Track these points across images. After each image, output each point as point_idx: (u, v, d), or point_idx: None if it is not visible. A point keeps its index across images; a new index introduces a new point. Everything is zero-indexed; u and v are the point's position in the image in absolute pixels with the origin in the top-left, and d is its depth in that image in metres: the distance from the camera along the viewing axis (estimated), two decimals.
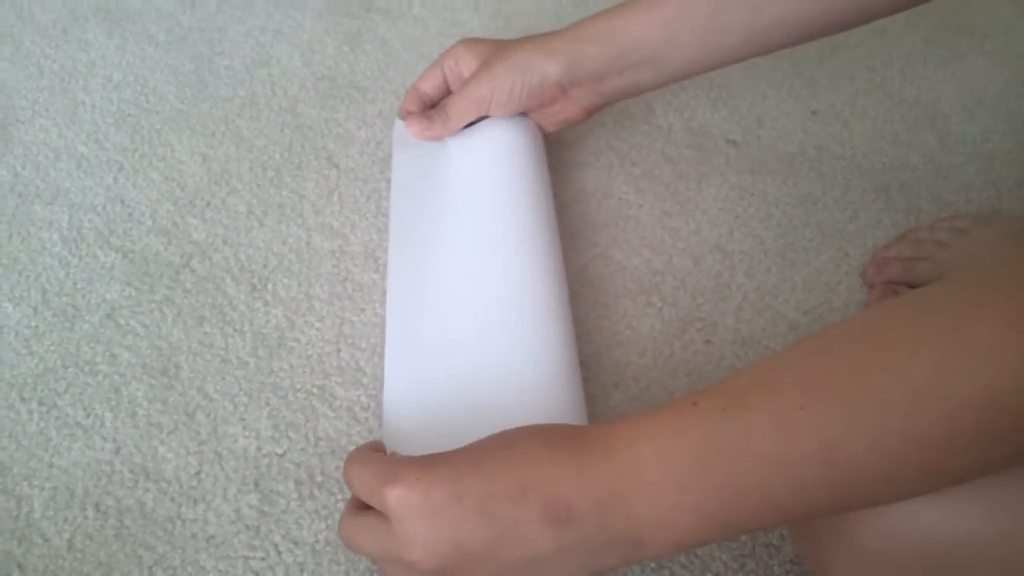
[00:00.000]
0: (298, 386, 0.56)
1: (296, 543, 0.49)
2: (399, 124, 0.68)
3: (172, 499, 0.51)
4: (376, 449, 0.48)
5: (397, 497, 0.41)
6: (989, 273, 0.35)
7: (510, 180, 0.63)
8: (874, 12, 0.57)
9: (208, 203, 0.66)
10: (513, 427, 0.43)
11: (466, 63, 0.64)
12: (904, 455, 0.33)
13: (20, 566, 0.48)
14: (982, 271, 0.36)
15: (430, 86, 0.67)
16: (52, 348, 0.57)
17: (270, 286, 0.61)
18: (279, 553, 0.49)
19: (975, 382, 0.32)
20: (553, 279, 0.57)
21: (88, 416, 0.54)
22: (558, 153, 0.72)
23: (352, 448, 0.53)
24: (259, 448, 0.53)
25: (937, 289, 0.36)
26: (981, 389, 0.32)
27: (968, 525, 0.35)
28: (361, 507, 0.45)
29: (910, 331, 0.34)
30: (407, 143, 0.67)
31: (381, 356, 0.58)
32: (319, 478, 0.52)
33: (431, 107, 0.68)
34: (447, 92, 0.68)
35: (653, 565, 0.49)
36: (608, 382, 0.58)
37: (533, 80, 0.62)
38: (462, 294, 0.57)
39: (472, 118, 0.65)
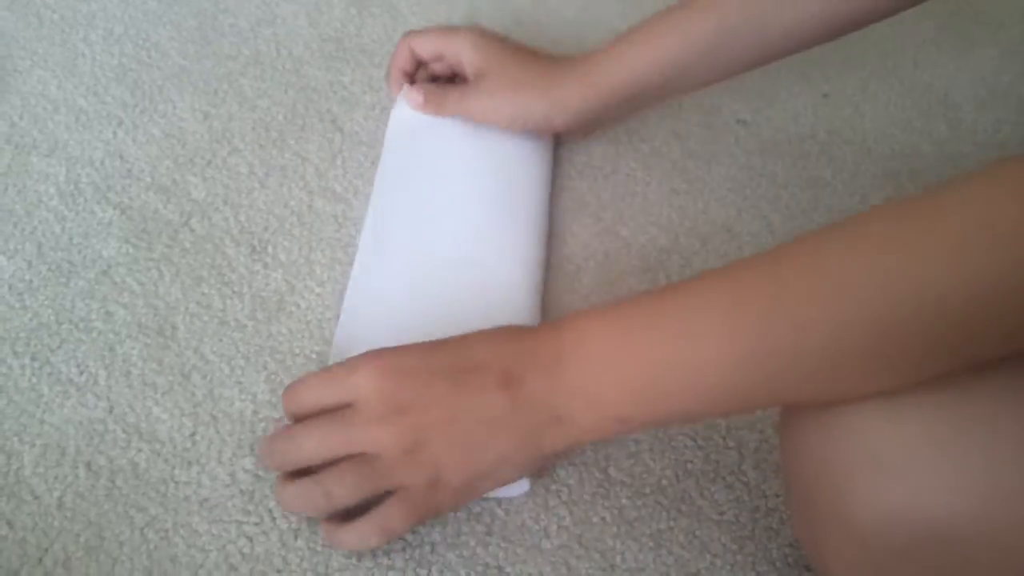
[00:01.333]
0: (296, 351, 0.55)
1: None
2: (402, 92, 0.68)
3: (166, 460, 0.50)
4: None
5: (371, 367, 0.45)
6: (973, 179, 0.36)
7: (506, 153, 0.65)
8: (873, 14, 0.59)
9: (209, 162, 0.65)
10: None
11: (469, 61, 0.64)
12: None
13: (9, 523, 0.47)
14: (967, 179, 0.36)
15: (428, 54, 0.66)
16: (46, 303, 0.56)
17: (270, 248, 0.60)
18: (273, 519, 0.48)
19: (939, 274, 0.34)
20: (531, 241, 0.61)
21: (81, 373, 0.53)
22: None
23: None
24: (255, 412, 0.52)
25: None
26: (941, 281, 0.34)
27: (970, 510, 0.34)
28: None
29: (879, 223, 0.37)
30: (406, 107, 0.67)
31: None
32: None
33: (419, 67, 0.68)
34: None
35: (651, 544, 0.49)
36: None
37: (539, 125, 0.64)
38: (435, 242, 0.60)
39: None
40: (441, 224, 0.61)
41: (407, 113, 0.66)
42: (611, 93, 0.61)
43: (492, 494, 0.49)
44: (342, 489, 0.44)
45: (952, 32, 0.84)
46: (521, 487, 0.50)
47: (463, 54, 0.64)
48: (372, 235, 0.60)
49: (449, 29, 0.66)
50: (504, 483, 0.47)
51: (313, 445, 0.45)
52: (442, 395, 0.43)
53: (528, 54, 0.64)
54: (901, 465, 0.35)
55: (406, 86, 0.66)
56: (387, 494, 0.44)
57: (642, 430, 0.46)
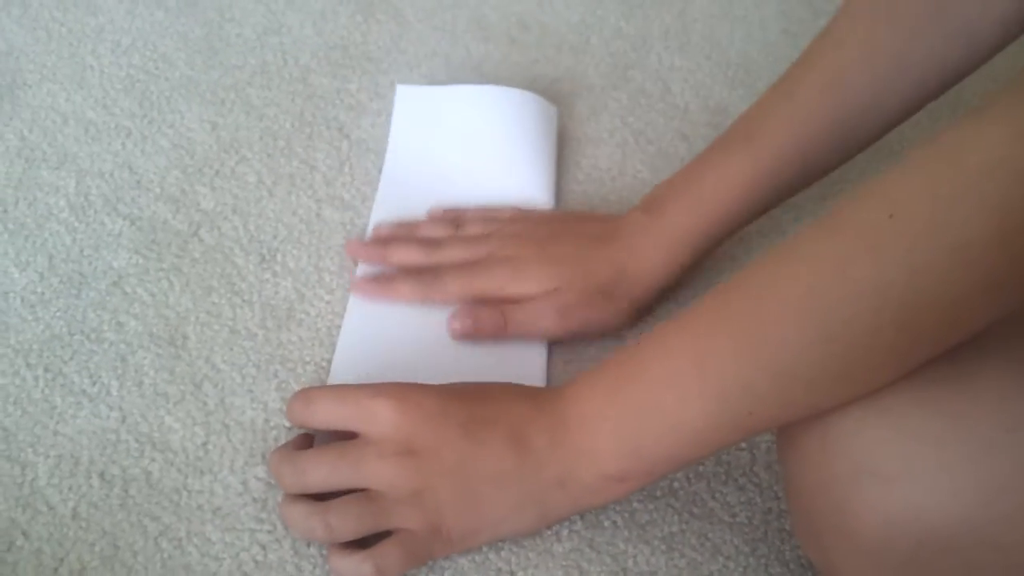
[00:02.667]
0: (307, 359, 0.56)
1: None
2: (400, 90, 0.69)
3: (178, 469, 0.50)
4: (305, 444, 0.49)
5: (394, 399, 0.45)
6: None
7: (511, 156, 0.65)
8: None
9: (217, 172, 0.65)
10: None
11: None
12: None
13: (24, 533, 0.48)
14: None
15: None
16: (58, 315, 0.57)
17: (279, 257, 0.61)
18: (286, 527, 0.48)
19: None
20: None
21: (94, 384, 0.54)
22: (572, 129, 0.71)
23: None
24: (267, 420, 0.53)
25: None
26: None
27: (965, 511, 0.34)
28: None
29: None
30: (410, 117, 0.68)
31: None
32: None
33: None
34: None
35: (663, 547, 0.49)
36: None
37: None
38: None
39: None
40: None
41: (409, 117, 0.67)
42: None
43: None
44: (344, 524, 0.44)
45: None
46: None
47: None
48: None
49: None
50: (499, 540, 0.48)
51: (321, 476, 0.45)
52: (454, 443, 0.44)
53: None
54: (898, 473, 0.35)
55: (400, 87, 0.68)
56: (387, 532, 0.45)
57: (644, 484, 0.46)
